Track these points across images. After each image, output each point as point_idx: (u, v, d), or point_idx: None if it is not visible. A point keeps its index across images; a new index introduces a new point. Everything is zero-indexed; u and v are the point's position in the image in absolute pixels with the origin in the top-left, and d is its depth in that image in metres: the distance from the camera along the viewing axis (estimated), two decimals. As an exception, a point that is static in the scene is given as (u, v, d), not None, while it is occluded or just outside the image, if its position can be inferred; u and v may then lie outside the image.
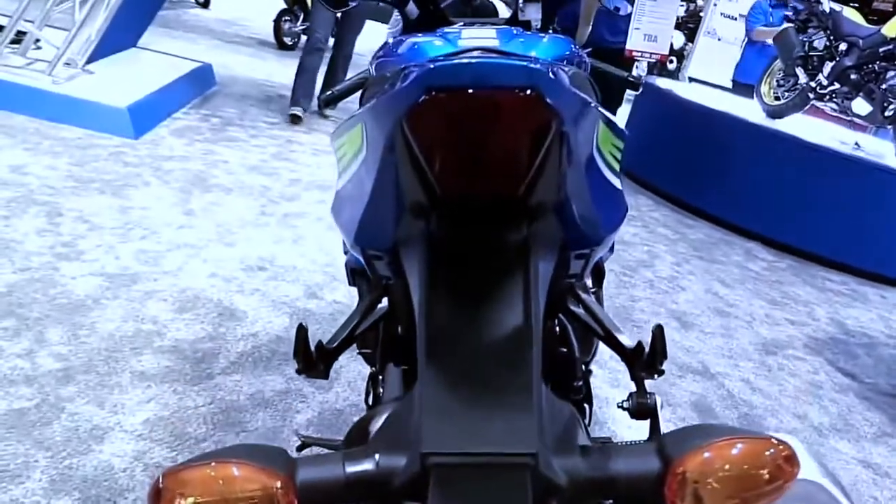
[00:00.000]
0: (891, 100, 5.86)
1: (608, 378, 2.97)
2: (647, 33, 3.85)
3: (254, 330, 2.80)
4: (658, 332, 1.20)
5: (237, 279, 3.16)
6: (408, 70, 0.97)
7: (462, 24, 2.13)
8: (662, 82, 7.45)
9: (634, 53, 3.96)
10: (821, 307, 4.58)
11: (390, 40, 1.92)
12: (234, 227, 3.64)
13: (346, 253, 2.07)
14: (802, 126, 6.66)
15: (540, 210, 1.02)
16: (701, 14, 13.01)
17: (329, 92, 2.02)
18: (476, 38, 1.75)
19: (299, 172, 4.70)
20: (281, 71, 6.84)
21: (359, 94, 1.89)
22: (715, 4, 12.56)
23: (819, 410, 3.24)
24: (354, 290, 1.93)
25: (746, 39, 8.65)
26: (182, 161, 4.36)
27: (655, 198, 6.24)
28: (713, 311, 4.06)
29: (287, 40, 9.10)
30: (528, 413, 0.92)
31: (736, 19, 12.80)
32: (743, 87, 8.33)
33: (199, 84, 5.94)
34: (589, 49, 4.35)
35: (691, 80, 11.47)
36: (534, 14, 2.23)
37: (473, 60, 0.92)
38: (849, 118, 6.49)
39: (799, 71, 6.57)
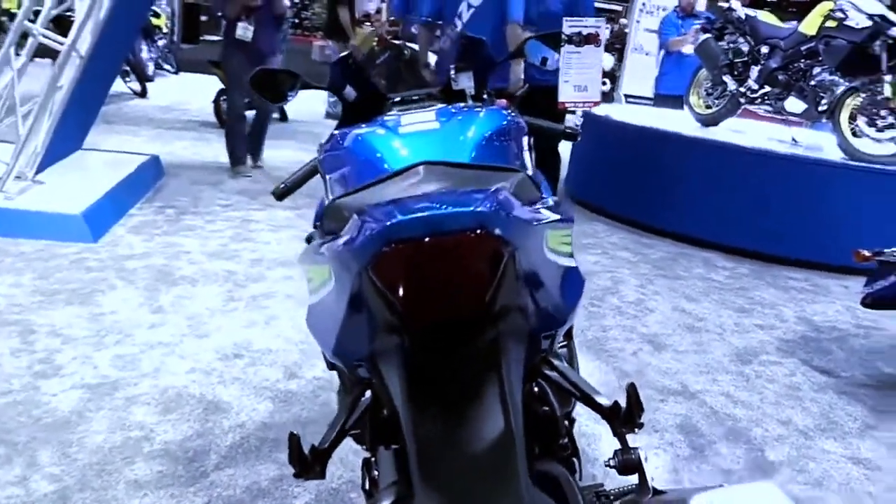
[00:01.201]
0: (821, 94, 6.07)
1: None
2: (577, 84, 3.97)
3: (240, 420, 2.82)
4: (632, 389, 1.27)
5: (216, 370, 3.18)
6: (366, 220, 1.03)
7: (398, 107, 2.21)
8: (599, 108, 7.62)
9: (567, 105, 4.09)
10: (787, 307, 4.69)
11: (336, 132, 1.98)
12: (204, 318, 3.66)
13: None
14: (739, 129, 6.86)
15: (504, 315, 1.10)
16: (626, 31, 13.38)
17: (282, 184, 2.08)
18: (416, 122, 1.83)
19: (261, 251, 4.73)
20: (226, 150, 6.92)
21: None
22: (638, 21, 12.90)
23: (802, 413, 3.32)
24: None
25: (663, 52, 8.91)
26: (144, 258, 4.38)
27: (611, 222, 6.35)
28: (683, 327, 4.14)
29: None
30: None
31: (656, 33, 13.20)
32: (665, 99, 8.55)
33: (148, 177, 5.97)
34: (525, 87, 4.48)
35: (627, 97, 11.75)
36: (466, 82, 2.32)
37: (426, 214, 0.99)
38: (783, 117, 6.70)
39: (727, 78, 6.78)
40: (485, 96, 2.28)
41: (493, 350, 1.10)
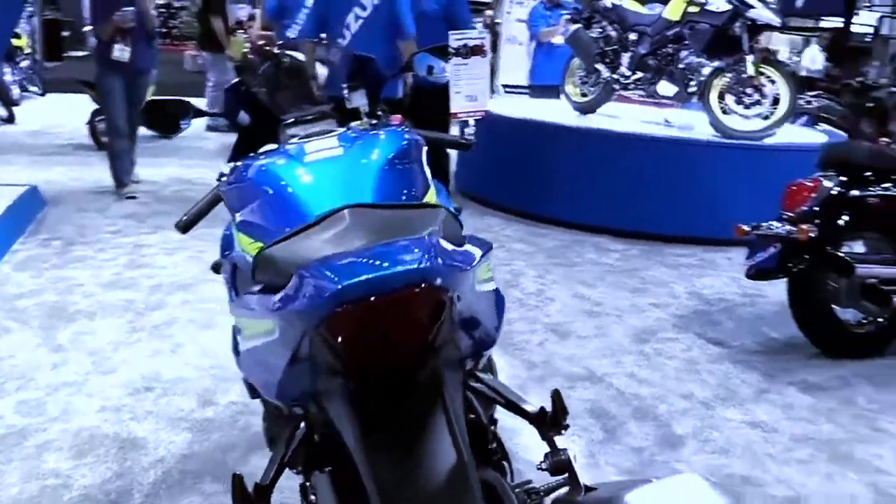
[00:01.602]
0: (690, 77, 6.35)
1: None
2: (468, 94, 4.09)
3: (159, 455, 2.79)
4: (556, 395, 1.36)
5: (127, 406, 3.12)
6: (309, 279, 1.07)
7: (293, 128, 2.22)
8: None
9: (460, 115, 4.19)
10: (678, 284, 4.92)
11: (238, 163, 1.99)
12: (108, 352, 3.58)
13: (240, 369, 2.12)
14: (615, 114, 7.11)
15: (441, 350, 1.16)
16: (498, 22, 13.59)
17: (184, 216, 2.07)
18: (320, 150, 1.86)
19: (158, 276, 4.64)
20: (108, 173, 6.68)
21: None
22: (508, 12, 13.10)
23: (701, 385, 3.51)
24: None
25: (534, 43, 9.12)
26: (34, 295, 4.23)
27: (503, 215, 6.47)
28: (584, 313, 4.30)
29: (106, 139, 8.85)
30: None
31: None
32: (540, 89, 8.75)
33: (28, 209, 5.75)
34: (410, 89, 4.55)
35: (505, 88, 11.95)
36: (359, 100, 2.36)
37: (374, 275, 1.04)
38: (656, 100, 6.98)
39: (599, 66, 6.97)
40: (379, 112, 2.33)
41: (435, 384, 1.16)
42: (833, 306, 3.92)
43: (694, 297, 4.71)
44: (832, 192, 3.84)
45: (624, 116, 7.16)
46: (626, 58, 6.81)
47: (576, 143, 6.36)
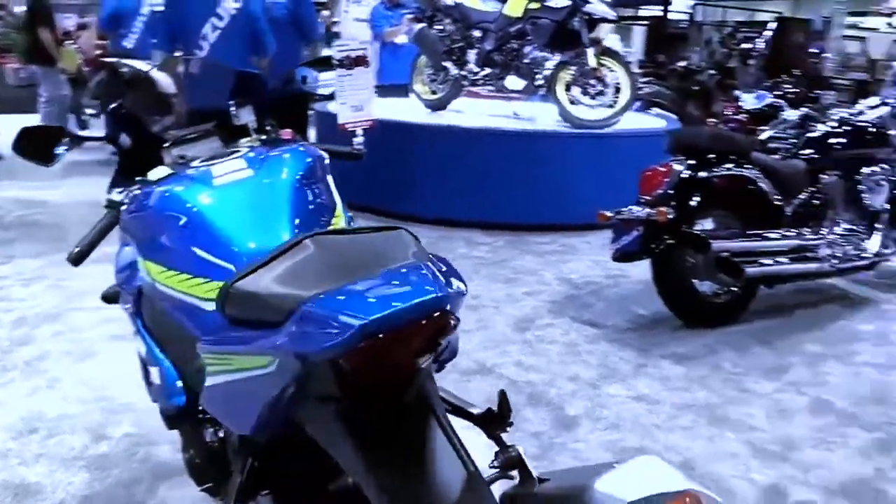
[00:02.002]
0: (536, 70, 6.61)
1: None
2: (353, 105, 4.12)
3: (57, 499, 2.67)
4: (502, 395, 1.46)
5: (13, 451, 2.97)
6: (317, 313, 1.09)
7: (177, 147, 2.20)
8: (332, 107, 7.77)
9: (347, 126, 4.22)
10: (546, 271, 5.14)
11: (131, 194, 1.96)
12: (-21, 396, 3.39)
13: (154, 401, 2.10)
14: (463, 110, 7.29)
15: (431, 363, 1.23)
16: (335, 21, 13.53)
17: (76, 248, 2.00)
18: (229, 172, 1.87)
19: (18, 310, 4.41)
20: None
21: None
22: (346, 11, 13.09)
23: (584, 366, 3.71)
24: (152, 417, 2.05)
25: (378, 43, 9.19)
26: None
27: (373, 216, 6.48)
28: (465, 308, 4.39)
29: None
30: None
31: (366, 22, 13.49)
32: (388, 89, 8.83)
33: None
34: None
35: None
36: (247, 116, 2.38)
37: (398, 307, 1.08)
38: (505, 94, 7.21)
39: (447, 64, 7.12)
40: (268, 127, 2.35)
41: (424, 396, 1.22)
42: (693, 281, 4.23)
43: (563, 282, 4.93)
44: (682, 175, 4.12)
45: (473, 112, 7.35)
46: (472, 54, 6.99)
47: (432, 141, 6.49)
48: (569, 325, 4.22)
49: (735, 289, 4.30)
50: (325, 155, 2.11)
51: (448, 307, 1.13)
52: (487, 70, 6.91)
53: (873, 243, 4.62)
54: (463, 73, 7.02)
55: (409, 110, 7.16)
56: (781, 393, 3.53)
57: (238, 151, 2.04)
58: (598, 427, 3.17)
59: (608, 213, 4.12)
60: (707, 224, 4.35)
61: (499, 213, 6.12)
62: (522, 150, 6.19)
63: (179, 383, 1.87)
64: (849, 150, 4.63)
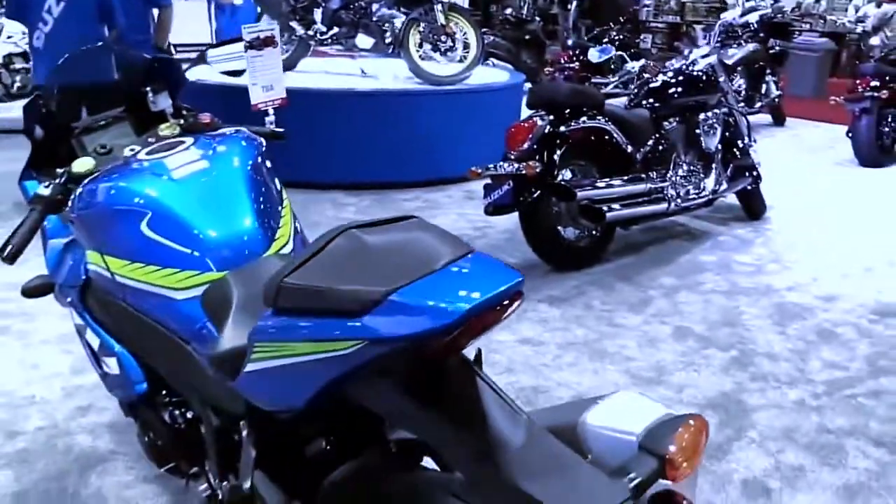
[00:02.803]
0: (385, 28, 6.71)
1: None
2: (264, 85, 4.11)
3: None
4: (478, 353, 1.63)
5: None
6: (409, 305, 1.19)
7: (86, 135, 2.22)
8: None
9: (259, 106, 4.21)
10: (416, 227, 5.32)
11: (79, 190, 1.96)
12: None
13: (111, 391, 2.16)
14: (310, 68, 7.29)
15: None
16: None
17: (9, 246, 1.95)
18: (185, 164, 1.95)
19: None
20: None
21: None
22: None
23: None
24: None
25: (214, 6, 8.98)
26: None
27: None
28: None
29: None
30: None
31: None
32: None
33: None
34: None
35: (177, 48, 11.52)
36: (164, 102, 2.41)
37: (499, 290, 1.22)
38: (352, 52, 7.27)
39: (294, 24, 7.08)
40: (184, 112, 2.39)
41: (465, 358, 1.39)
42: (558, 228, 4.54)
43: (435, 237, 5.13)
44: (545, 130, 4.39)
45: (320, 71, 7.34)
46: (318, 14, 6.98)
47: (289, 105, 6.47)
48: (448, 277, 4.42)
49: (595, 233, 4.65)
50: (263, 140, 2.20)
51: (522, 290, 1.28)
52: (336, 29, 6.93)
53: (710, 182, 5.11)
54: (310, 32, 7.01)
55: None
56: (647, 325, 3.92)
57: (183, 142, 2.08)
58: (494, 371, 3.42)
59: (478, 170, 4.32)
60: (566, 174, 4.66)
61: (362, 172, 6.23)
62: (381, 110, 6.30)
63: (140, 371, 1.95)
64: (685, 98, 5.06)
